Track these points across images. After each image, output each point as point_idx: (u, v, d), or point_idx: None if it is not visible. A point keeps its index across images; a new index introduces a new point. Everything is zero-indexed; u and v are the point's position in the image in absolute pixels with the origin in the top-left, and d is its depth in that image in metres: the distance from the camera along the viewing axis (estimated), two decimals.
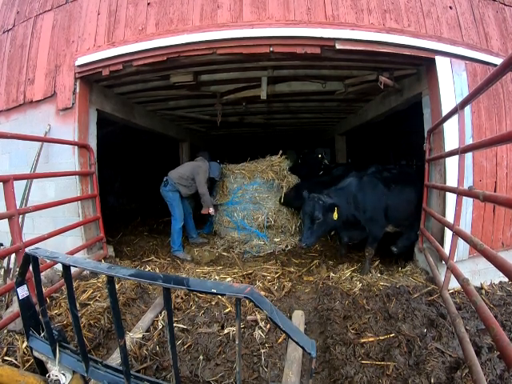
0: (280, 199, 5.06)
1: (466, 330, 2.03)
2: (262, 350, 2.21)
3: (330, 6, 3.20)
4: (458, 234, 2.24)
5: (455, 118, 2.55)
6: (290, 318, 2.57)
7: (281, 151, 5.59)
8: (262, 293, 3.00)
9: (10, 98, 3.98)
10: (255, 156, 5.68)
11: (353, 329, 2.39)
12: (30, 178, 3.39)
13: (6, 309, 2.58)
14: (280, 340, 2.32)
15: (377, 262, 3.77)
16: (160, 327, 2.48)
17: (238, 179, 5.30)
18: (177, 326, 2.48)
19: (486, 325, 1.52)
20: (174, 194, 4.66)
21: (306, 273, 3.62)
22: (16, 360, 2.09)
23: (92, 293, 2.92)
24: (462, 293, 2.84)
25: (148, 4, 3.46)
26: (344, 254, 4.20)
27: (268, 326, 2.45)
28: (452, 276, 2.30)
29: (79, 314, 2.47)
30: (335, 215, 3.31)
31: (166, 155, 9.33)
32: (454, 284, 2.63)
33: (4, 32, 4.23)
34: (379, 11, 3.21)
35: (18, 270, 1.56)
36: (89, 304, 2.72)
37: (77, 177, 3.56)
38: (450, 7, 3.30)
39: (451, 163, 2.99)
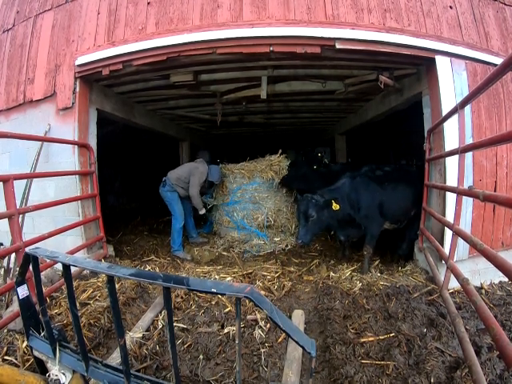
0: (280, 181, 5.06)
1: (466, 329, 2.03)
2: (262, 350, 2.21)
3: (330, 5, 3.20)
4: (457, 233, 2.23)
5: (455, 117, 2.55)
6: (290, 317, 2.57)
7: (280, 151, 5.59)
8: (262, 292, 3.00)
9: (9, 98, 3.98)
10: (255, 155, 5.67)
11: (353, 328, 2.39)
12: (29, 177, 3.39)
13: (6, 308, 2.58)
14: (280, 339, 2.32)
15: (377, 262, 3.77)
16: (160, 327, 2.48)
17: (237, 179, 5.29)
18: (177, 326, 2.48)
19: (486, 324, 1.52)
20: (172, 193, 4.66)
21: (306, 272, 3.62)
22: (16, 359, 2.09)
23: (92, 292, 2.92)
24: (462, 292, 2.84)
25: (148, 3, 3.46)
26: (347, 255, 4.18)
27: (268, 325, 2.45)
28: (452, 276, 2.30)
29: (79, 314, 2.47)
30: (335, 206, 3.38)
31: (166, 155, 9.33)
32: (453, 284, 2.63)
33: (4, 32, 4.23)
34: (379, 11, 3.21)
35: (18, 269, 1.56)
36: (89, 303, 2.72)
37: (77, 176, 3.56)
38: (450, 7, 3.30)
39: (451, 163, 2.99)
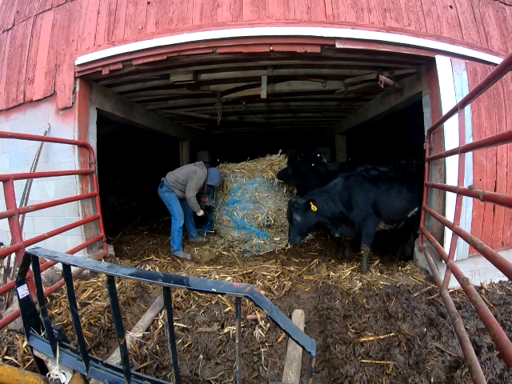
0: (277, 174, 5.09)
1: (466, 329, 2.03)
2: (262, 349, 2.21)
3: (330, 5, 3.19)
4: (457, 233, 2.23)
5: (455, 117, 2.55)
6: (290, 317, 2.57)
7: (280, 150, 5.59)
8: (262, 292, 3.01)
9: (9, 98, 3.98)
10: (255, 155, 5.67)
11: (353, 328, 2.39)
12: (29, 177, 3.39)
13: (7, 308, 2.59)
14: (280, 339, 2.32)
15: (377, 262, 3.77)
16: (160, 326, 2.48)
17: (237, 178, 5.29)
18: (177, 325, 2.48)
19: (486, 324, 1.52)
20: (169, 194, 4.65)
21: (306, 272, 3.62)
22: (16, 359, 2.09)
23: (92, 292, 2.93)
24: (462, 292, 2.84)
25: (148, 3, 3.46)
26: (348, 255, 4.16)
27: (268, 325, 2.45)
28: (452, 275, 2.30)
29: (79, 313, 2.47)
30: (313, 208, 3.65)
31: (166, 154, 9.34)
32: (453, 283, 2.64)
33: (4, 31, 4.22)
34: (379, 10, 3.20)
35: (18, 269, 1.56)
36: (89, 303, 2.73)
37: (77, 176, 3.56)
38: (451, 6, 3.30)
39: (451, 162, 2.99)
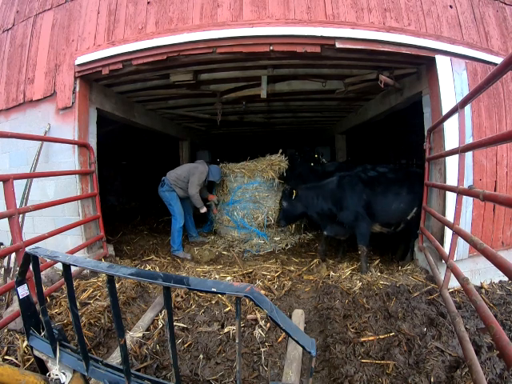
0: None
1: (466, 329, 2.04)
2: (262, 349, 2.21)
3: (330, 4, 3.19)
4: (457, 233, 2.23)
5: (455, 117, 2.55)
6: (290, 316, 2.57)
7: (281, 150, 5.59)
8: (262, 292, 3.01)
9: (9, 98, 3.98)
10: (255, 155, 5.68)
11: (353, 328, 2.39)
12: (29, 177, 3.39)
13: (7, 308, 2.59)
14: (280, 339, 2.32)
15: (377, 261, 3.77)
16: (160, 326, 2.48)
17: (238, 178, 5.30)
18: (177, 325, 2.48)
19: (486, 324, 1.52)
20: (170, 193, 4.65)
21: (306, 272, 3.62)
22: (16, 359, 2.09)
23: (92, 292, 2.93)
24: (462, 292, 2.84)
25: (148, 3, 3.46)
26: (340, 256, 4.15)
27: (268, 324, 2.45)
28: (452, 275, 2.30)
29: (79, 313, 2.47)
30: (292, 195, 3.94)
31: (166, 154, 9.34)
32: (453, 283, 2.63)
33: (4, 31, 4.22)
34: (379, 10, 3.20)
35: (18, 269, 1.56)
36: (89, 303, 2.73)
37: (77, 176, 3.56)
38: (451, 6, 3.30)
39: (451, 162, 2.99)
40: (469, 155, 2.96)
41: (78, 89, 3.61)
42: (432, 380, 1.87)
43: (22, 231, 2.89)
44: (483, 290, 3.00)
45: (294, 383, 1.79)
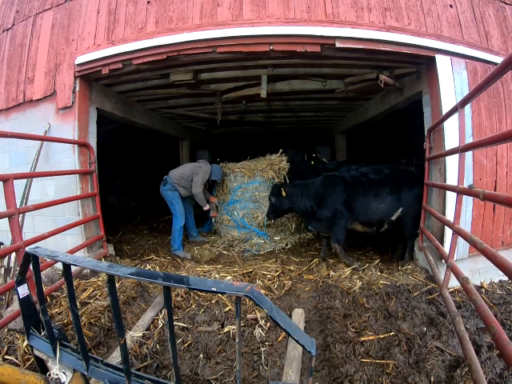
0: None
1: (466, 328, 2.04)
2: (262, 349, 2.21)
3: (330, 4, 3.19)
4: (457, 232, 2.23)
5: (455, 116, 2.55)
6: (290, 316, 2.57)
7: (281, 150, 5.59)
8: (262, 291, 3.01)
9: (9, 97, 3.98)
10: (255, 154, 5.68)
11: (353, 327, 2.39)
12: (29, 176, 3.39)
13: (7, 308, 2.59)
14: (280, 338, 2.33)
15: (377, 261, 3.77)
16: (160, 326, 2.48)
17: (238, 178, 5.30)
18: (177, 325, 2.48)
19: (486, 323, 1.52)
20: (173, 192, 4.66)
21: (306, 271, 3.62)
22: (17, 359, 2.09)
23: (92, 291, 2.93)
24: (462, 291, 2.84)
25: (148, 2, 3.46)
26: (323, 257, 4.16)
27: (268, 324, 2.45)
28: (452, 275, 2.30)
29: (79, 313, 2.47)
30: (283, 193, 4.16)
31: (166, 154, 9.34)
32: (453, 283, 2.63)
33: (3, 31, 4.22)
34: (379, 9, 3.20)
35: (18, 268, 1.56)
36: (89, 303, 2.73)
37: (77, 175, 3.56)
38: (451, 6, 3.29)
39: (451, 162, 2.99)
40: (469, 155, 2.96)
41: (77, 88, 3.61)
42: (432, 379, 1.87)
43: (22, 231, 2.90)
44: (483, 290, 3.00)
45: (294, 383, 1.79)
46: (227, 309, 2.66)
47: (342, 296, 2.81)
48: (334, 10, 3.19)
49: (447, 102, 3.05)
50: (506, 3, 3.48)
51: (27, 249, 1.41)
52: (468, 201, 2.99)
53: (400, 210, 3.68)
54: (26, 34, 4.00)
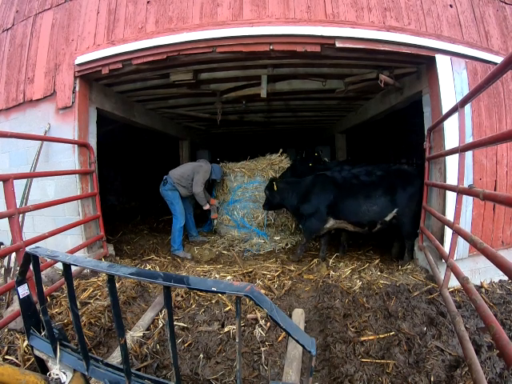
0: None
1: (466, 328, 2.04)
2: (262, 349, 2.21)
3: (330, 4, 3.19)
4: (457, 232, 2.23)
5: (455, 116, 2.55)
6: (290, 316, 2.57)
7: (281, 150, 5.59)
8: (262, 291, 3.01)
9: (9, 97, 3.98)
10: (255, 154, 5.68)
11: (353, 327, 2.39)
12: (29, 176, 3.39)
13: (7, 308, 2.59)
14: (280, 338, 2.33)
15: (377, 261, 3.77)
16: (160, 326, 2.48)
17: (238, 178, 5.30)
18: (177, 325, 2.48)
19: (486, 323, 1.52)
20: (173, 192, 4.66)
21: (306, 271, 3.62)
22: (17, 359, 2.09)
23: (92, 291, 2.93)
24: (462, 291, 2.84)
25: (148, 2, 3.46)
26: (322, 256, 4.18)
27: (268, 324, 2.45)
28: (452, 274, 2.30)
29: (80, 313, 2.47)
30: (274, 187, 4.36)
31: (166, 154, 9.33)
32: (453, 282, 2.63)
33: (3, 31, 4.22)
34: (379, 9, 3.20)
35: (18, 269, 1.56)
36: (89, 303, 2.73)
37: (77, 175, 3.56)
38: (451, 5, 3.29)
39: (451, 161, 2.99)
40: (469, 154, 2.96)
41: (77, 88, 3.61)
42: (432, 379, 1.87)
43: (22, 231, 2.90)
44: (483, 290, 3.00)
45: (295, 382, 1.79)
46: (227, 309, 2.66)
47: (342, 296, 2.82)
48: (334, 9, 3.19)
49: (447, 101, 3.05)
50: (505, 3, 3.48)
51: (27, 249, 1.41)
52: (468, 200, 2.99)
53: (395, 210, 3.68)
54: (25, 34, 4.00)
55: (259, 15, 3.23)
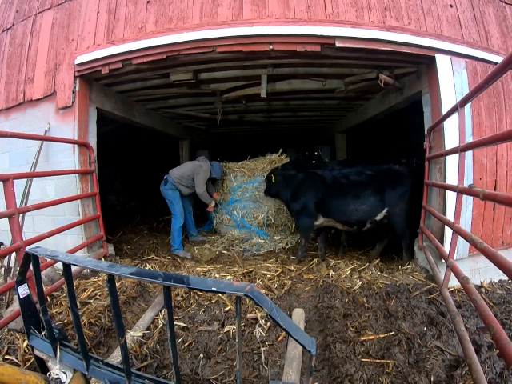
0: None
1: (466, 328, 2.04)
2: (262, 348, 2.21)
3: (330, 4, 3.19)
4: (457, 232, 2.24)
5: (455, 116, 2.55)
6: (290, 316, 2.57)
7: (281, 149, 5.59)
8: (262, 291, 3.01)
9: (9, 97, 3.98)
10: (255, 154, 5.68)
11: (353, 327, 2.39)
12: (29, 176, 3.39)
13: (7, 308, 2.59)
14: (280, 338, 2.33)
15: (377, 261, 3.77)
16: (160, 325, 2.48)
17: (238, 177, 5.30)
18: (177, 325, 2.48)
19: (486, 323, 1.52)
20: (173, 192, 4.67)
21: (306, 271, 3.62)
22: (17, 359, 2.09)
23: (92, 291, 2.93)
24: (462, 291, 2.84)
25: (148, 2, 3.45)
26: (321, 255, 4.23)
27: (268, 324, 2.46)
28: (452, 274, 2.30)
29: (80, 313, 2.47)
30: (273, 179, 4.54)
31: (166, 153, 9.33)
32: (453, 282, 2.63)
33: (3, 31, 4.22)
34: (379, 9, 3.20)
35: (18, 268, 1.56)
36: (89, 302, 2.73)
37: (77, 175, 3.56)
38: (451, 5, 3.29)
39: (451, 161, 2.99)
40: (469, 154, 2.96)
41: (77, 88, 3.61)
42: (432, 379, 1.87)
43: (22, 231, 2.90)
44: (483, 289, 3.00)
45: (295, 382, 1.79)
46: (227, 308, 2.66)
47: (342, 295, 2.82)
48: (334, 9, 3.18)
49: (447, 101, 3.05)
50: (505, 3, 3.47)
51: (27, 249, 1.41)
52: (468, 200, 2.99)
53: (385, 210, 3.68)
54: (25, 34, 4.00)
55: (259, 15, 3.23)
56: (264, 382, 1.99)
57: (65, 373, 1.49)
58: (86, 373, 1.42)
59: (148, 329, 2.46)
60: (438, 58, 3.12)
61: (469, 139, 2.93)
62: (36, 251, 1.38)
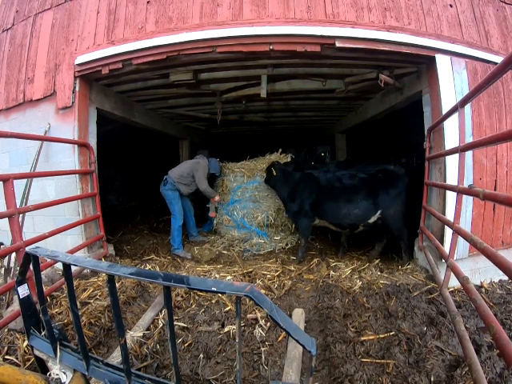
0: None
1: (466, 328, 2.04)
2: (262, 349, 2.21)
3: (330, 4, 3.19)
4: (457, 232, 2.24)
5: (455, 116, 2.55)
6: (290, 316, 2.57)
7: (280, 149, 5.59)
8: (262, 291, 3.01)
9: (9, 97, 3.98)
10: (255, 154, 5.68)
11: (353, 327, 2.39)
12: (29, 176, 3.39)
13: (7, 308, 2.59)
14: (280, 338, 2.33)
15: (377, 261, 3.77)
16: (160, 326, 2.48)
17: (237, 178, 5.30)
18: (177, 325, 2.48)
19: (486, 323, 1.52)
20: (173, 192, 4.67)
21: (306, 271, 3.61)
22: (17, 359, 2.09)
23: (92, 291, 2.93)
24: (462, 291, 2.84)
25: (148, 2, 3.45)
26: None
27: (268, 324, 2.45)
28: (452, 274, 2.30)
29: (80, 313, 2.47)
30: (274, 172, 4.56)
31: (166, 153, 9.33)
32: (453, 282, 2.63)
33: (3, 31, 4.22)
34: (379, 9, 3.20)
35: (18, 269, 1.56)
36: (89, 303, 2.73)
37: (77, 175, 3.56)
38: (451, 5, 3.29)
39: (451, 161, 2.99)
40: (469, 154, 2.96)
41: (77, 88, 3.61)
42: (432, 379, 1.87)
43: (22, 231, 2.90)
44: (483, 289, 3.00)
45: (295, 382, 1.79)
46: (227, 309, 2.66)
47: (342, 296, 2.82)
48: (334, 9, 3.19)
49: (447, 101, 3.05)
50: (505, 3, 3.47)
51: (27, 249, 1.41)
52: (468, 200, 2.99)
53: (378, 212, 3.68)
54: (25, 34, 4.00)
55: (259, 15, 3.23)
56: (264, 382, 1.99)
57: (65, 373, 1.49)
58: (86, 373, 1.42)
59: (148, 329, 2.46)
60: (438, 58, 3.12)
61: (469, 139, 2.93)
62: (36, 251, 1.37)
